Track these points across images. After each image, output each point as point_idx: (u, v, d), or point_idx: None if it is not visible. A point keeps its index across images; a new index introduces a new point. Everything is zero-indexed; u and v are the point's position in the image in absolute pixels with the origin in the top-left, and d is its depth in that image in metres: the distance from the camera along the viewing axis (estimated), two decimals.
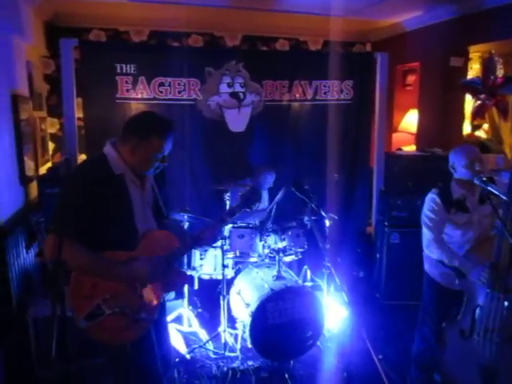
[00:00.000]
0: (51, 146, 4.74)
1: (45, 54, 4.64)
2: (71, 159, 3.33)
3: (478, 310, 2.34)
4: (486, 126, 5.27)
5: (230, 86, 4.01)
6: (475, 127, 5.20)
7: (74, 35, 4.29)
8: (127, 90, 3.76)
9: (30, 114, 3.78)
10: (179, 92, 3.88)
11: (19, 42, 3.63)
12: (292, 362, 3.17)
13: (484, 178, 2.25)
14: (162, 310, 2.17)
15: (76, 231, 1.78)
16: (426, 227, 2.60)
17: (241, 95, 4.04)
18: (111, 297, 1.86)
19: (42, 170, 3.99)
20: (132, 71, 3.74)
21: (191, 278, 3.43)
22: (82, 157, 4.05)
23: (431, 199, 2.61)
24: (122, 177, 1.93)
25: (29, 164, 3.58)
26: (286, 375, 3.03)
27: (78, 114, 3.77)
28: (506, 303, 2.25)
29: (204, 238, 2.14)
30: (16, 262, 3.09)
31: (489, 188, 2.18)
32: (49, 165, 4.31)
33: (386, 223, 4.01)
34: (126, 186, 1.93)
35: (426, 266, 2.75)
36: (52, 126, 4.76)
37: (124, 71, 3.72)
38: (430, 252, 2.56)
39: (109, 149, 1.95)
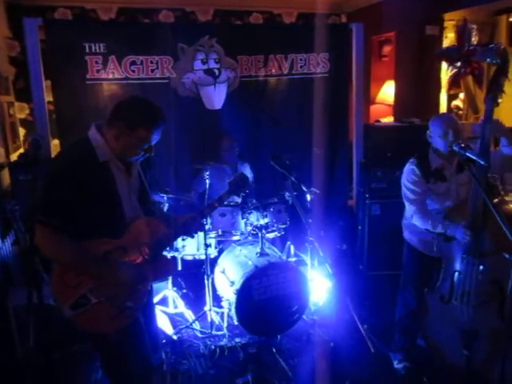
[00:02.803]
0: (22, 131, 4.58)
1: (8, 35, 4.44)
2: (39, 139, 3.20)
3: (456, 275, 2.38)
4: (461, 95, 5.31)
5: (204, 62, 3.91)
6: (451, 96, 5.23)
7: (38, 14, 4.11)
8: (97, 71, 3.62)
9: None
10: (152, 71, 3.77)
11: None
12: (279, 336, 3.20)
13: (462, 145, 2.26)
14: (149, 293, 2.13)
15: (61, 221, 1.72)
16: (409, 200, 2.60)
17: (216, 71, 3.94)
18: (98, 286, 1.82)
19: (14, 157, 3.87)
20: (102, 50, 3.60)
21: (175, 259, 3.40)
22: (55, 142, 3.94)
23: (410, 170, 2.60)
24: (107, 163, 1.85)
25: None
26: (274, 350, 3.06)
27: (48, 97, 3.63)
28: (481, 267, 2.30)
29: (192, 225, 2.10)
30: None
31: (467, 154, 2.19)
32: (21, 151, 4.18)
33: (366, 195, 4.03)
34: (111, 172, 1.86)
35: (406, 234, 2.78)
36: (21, 111, 4.59)
37: (93, 51, 3.58)
38: (415, 222, 2.57)
39: (93, 133, 1.85)
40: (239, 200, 3.37)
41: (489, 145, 2.26)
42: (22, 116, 4.60)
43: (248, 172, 3.87)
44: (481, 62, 4.51)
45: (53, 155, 3.63)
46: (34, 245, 1.59)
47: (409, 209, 2.62)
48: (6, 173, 3.57)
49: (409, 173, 2.61)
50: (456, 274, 2.39)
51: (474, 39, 4.29)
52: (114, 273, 1.84)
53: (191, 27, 4.52)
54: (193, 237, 2.29)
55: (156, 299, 3.48)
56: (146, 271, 1.93)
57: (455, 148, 2.31)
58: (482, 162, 2.12)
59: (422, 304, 2.59)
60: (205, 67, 3.91)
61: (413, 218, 2.58)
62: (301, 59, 4.14)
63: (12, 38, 4.45)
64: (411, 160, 2.64)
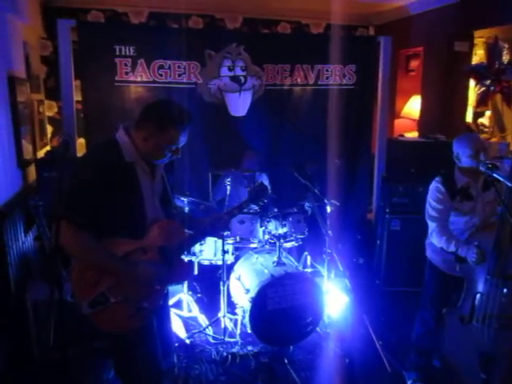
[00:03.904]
0: (49, 129, 4.69)
1: (42, 36, 4.56)
2: (69, 141, 3.28)
3: (478, 297, 2.34)
4: (488, 112, 5.22)
5: (230, 69, 3.94)
6: (477, 114, 5.14)
7: (71, 16, 4.22)
8: (126, 73, 3.69)
9: (28, 97, 3.72)
10: (179, 75, 3.82)
11: (15, 22, 3.56)
12: (292, 347, 3.18)
13: (489, 165, 2.22)
14: (164, 296, 2.15)
15: (85, 219, 1.75)
16: (431, 217, 2.57)
17: (242, 79, 3.97)
18: (116, 285, 1.84)
19: (40, 154, 3.96)
20: (131, 53, 3.67)
21: (192, 264, 3.41)
22: (81, 141, 4.01)
23: (436, 188, 2.58)
24: (133, 165, 1.89)
25: (27, 147, 3.54)
26: (286, 360, 3.03)
27: (77, 96, 3.71)
28: (504, 290, 2.25)
29: (219, 224, 2.12)
30: (14, 246, 3.06)
31: (494, 174, 2.16)
32: (47, 148, 4.26)
33: (386, 210, 3.99)
34: (136, 174, 1.90)
35: (429, 252, 2.74)
36: (50, 109, 4.70)
37: (123, 53, 3.65)
38: (433, 240, 2.56)
39: (121, 134, 1.89)
40: (258, 208, 3.38)
41: None
42: (51, 114, 4.71)
43: (266, 182, 3.88)
44: (510, 81, 4.43)
45: (78, 154, 3.70)
46: (57, 242, 1.61)
47: (430, 226, 2.59)
48: (32, 169, 3.65)
49: (434, 191, 2.58)
50: (478, 295, 2.34)
51: (505, 58, 4.21)
52: (132, 271, 1.86)
53: (219, 34, 4.57)
54: (220, 237, 2.31)
55: (171, 302, 3.48)
56: (163, 272, 1.95)
57: (482, 168, 2.28)
58: (510, 185, 2.08)
59: (440, 324, 2.54)
60: (231, 74, 3.94)
61: (432, 236, 2.55)
62: (327, 70, 4.15)
63: (45, 38, 4.56)
64: (437, 178, 2.61)
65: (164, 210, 2.08)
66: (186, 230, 2.13)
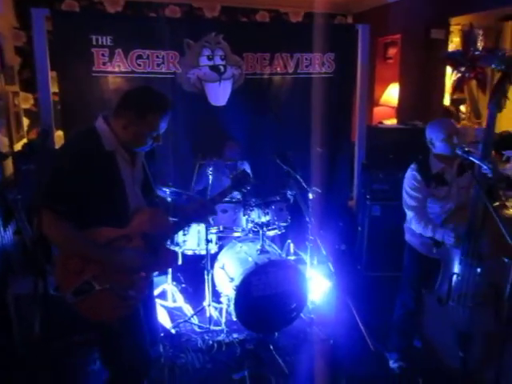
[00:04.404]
0: (26, 121, 4.58)
1: (14, 25, 4.44)
2: (49, 130, 3.22)
3: (454, 278, 2.41)
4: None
5: (209, 58, 3.92)
6: (454, 101, 5.24)
7: (45, 5, 4.10)
8: (104, 63, 3.64)
9: (2, 88, 3.64)
10: (158, 65, 3.78)
11: None
12: (276, 333, 3.22)
13: (466, 149, 2.28)
14: (149, 285, 2.15)
15: (66, 207, 1.74)
16: (408, 206, 2.63)
17: (221, 68, 3.95)
18: (101, 273, 1.83)
19: (17, 147, 3.88)
20: (108, 43, 3.61)
21: (176, 252, 3.41)
22: (59, 133, 3.95)
23: (411, 176, 2.62)
24: (113, 153, 1.88)
25: (3, 140, 3.48)
26: (271, 346, 3.08)
27: (53, 88, 3.64)
28: (478, 269, 2.33)
29: (198, 216, 2.14)
30: None
31: (471, 158, 2.22)
32: (24, 141, 4.18)
33: (367, 196, 4.05)
34: (116, 162, 1.89)
35: (407, 236, 2.80)
36: (26, 101, 4.59)
37: (100, 43, 3.59)
38: (412, 227, 2.62)
39: (100, 123, 1.88)
40: (240, 196, 3.39)
41: (490, 149, 2.27)
42: (27, 106, 4.60)
43: (248, 170, 3.88)
44: (485, 68, 4.52)
45: (56, 146, 3.64)
46: (39, 234, 1.60)
47: (408, 214, 2.65)
48: (9, 162, 3.58)
49: (410, 178, 2.63)
50: (454, 276, 2.41)
51: (480, 44, 4.30)
52: (117, 258, 1.86)
53: (198, 23, 4.53)
54: (207, 223, 2.32)
55: (155, 293, 3.48)
56: (148, 259, 1.95)
57: (458, 152, 2.33)
58: (485, 167, 2.14)
59: (419, 305, 2.61)
60: (210, 63, 3.92)
61: (411, 224, 2.62)
62: (306, 58, 4.16)
63: (18, 27, 4.45)
64: (412, 166, 2.66)
65: (146, 199, 2.07)
66: (170, 218, 2.13)
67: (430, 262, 2.61)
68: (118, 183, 1.89)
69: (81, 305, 1.83)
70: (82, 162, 1.77)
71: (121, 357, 1.97)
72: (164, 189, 3.28)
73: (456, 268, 2.41)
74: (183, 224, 2.24)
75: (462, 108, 5.22)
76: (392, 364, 2.90)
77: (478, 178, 2.21)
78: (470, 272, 2.34)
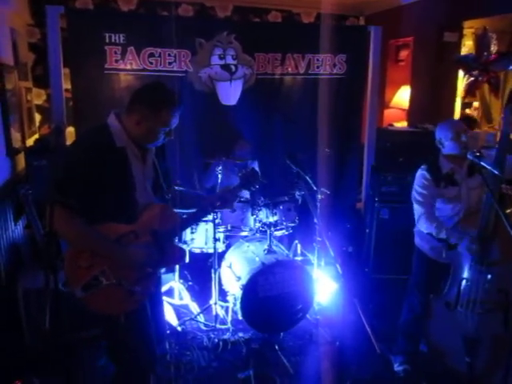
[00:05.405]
0: (38, 117, 4.63)
1: (29, 22, 4.48)
2: (62, 127, 3.24)
3: (463, 283, 2.39)
4: (476, 103, 5.28)
5: (221, 58, 3.93)
6: (465, 105, 5.20)
7: (60, 2, 4.14)
8: (116, 61, 3.65)
9: (16, 84, 3.67)
10: (169, 63, 3.79)
11: (1, 8, 3.50)
12: (282, 334, 3.23)
13: (477, 153, 2.27)
14: (157, 283, 2.17)
15: (78, 202, 1.76)
16: (417, 202, 2.63)
17: (232, 68, 3.96)
18: (109, 268, 1.85)
19: (29, 142, 3.92)
20: (121, 41, 3.62)
21: (183, 251, 3.43)
22: (70, 129, 3.98)
23: (421, 175, 2.64)
24: (124, 150, 1.90)
25: (15, 136, 3.51)
26: (276, 347, 3.08)
27: (65, 84, 3.67)
28: (488, 276, 2.31)
29: (224, 201, 2.19)
30: (4, 235, 3.06)
31: (481, 162, 2.21)
32: (36, 136, 4.23)
33: (376, 198, 4.03)
34: (127, 158, 1.91)
35: (417, 240, 2.79)
36: (38, 97, 4.64)
37: (113, 41, 3.60)
38: (420, 226, 2.61)
39: (112, 119, 1.91)
40: (249, 196, 3.40)
41: (504, 154, 2.26)
42: (39, 102, 4.65)
43: (256, 169, 3.89)
44: (497, 71, 4.47)
45: (67, 143, 3.67)
46: (51, 227, 1.62)
47: (416, 212, 2.64)
48: (21, 157, 3.62)
49: (419, 177, 2.64)
50: (463, 281, 2.39)
51: (493, 48, 4.25)
52: (125, 253, 1.88)
53: (210, 22, 4.54)
54: (231, 207, 2.42)
55: (162, 290, 3.51)
56: (155, 255, 1.96)
57: (469, 157, 2.31)
58: (497, 172, 2.12)
59: (427, 310, 2.60)
60: (222, 62, 3.93)
61: (419, 222, 2.60)
62: (318, 59, 4.14)
63: (33, 24, 4.49)
64: (422, 166, 2.68)
65: (155, 195, 2.09)
66: (191, 209, 2.16)
67: (438, 267, 2.60)
68: (128, 179, 1.91)
69: (89, 299, 1.85)
70: (94, 157, 1.80)
71: (126, 352, 1.99)
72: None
73: (465, 273, 2.40)
74: (192, 220, 2.26)
75: (468, 111, 5.18)
76: (397, 367, 2.89)
77: (489, 183, 2.20)
78: (480, 278, 2.33)
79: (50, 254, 1.49)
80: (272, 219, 3.32)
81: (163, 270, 3.65)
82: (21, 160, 3.62)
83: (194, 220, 2.28)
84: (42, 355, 2.80)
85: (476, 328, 2.36)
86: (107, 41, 3.59)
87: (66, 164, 1.83)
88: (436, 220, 2.53)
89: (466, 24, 4.55)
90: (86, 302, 1.85)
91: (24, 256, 3.40)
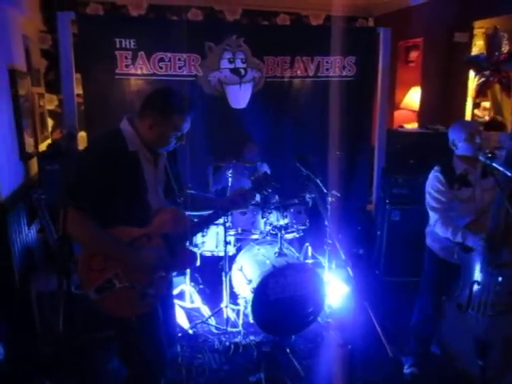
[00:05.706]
0: (50, 122, 4.69)
1: (41, 29, 4.55)
2: (74, 131, 3.29)
3: (475, 286, 2.37)
4: (487, 104, 5.22)
5: (231, 61, 3.95)
6: (476, 105, 5.15)
7: (71, 9, 4.19)
8: (126, 66, 3.70)
9: (29, 90, 3.73)
10: (179, 68, 3.82)
11: (15, 15, 3.56)
12: (293, 337, 3.22)
13: (489, 155, 2.24)
14: (168, 286, 2.19)
15: (91, 206, 1.78)
16: (432, 208, 2.59)
17: (242, 71, 3.98)
18: (122, 271, 1.88)
19: (42, 147, 3.97)
20: (132, 46, 3.67)
21: (194, 254, 3.44)
22: (82, 134, 4.03)
23: (435, 178, 2.60)
24: (136, 154, 1.92)
25: (28, 140, 3.56)
26: (288, 350, 3.08)
27: (77, 90, 3.72)
28: (499, 278, 2.29)
29: (239, 202, 2.20)
30: (18, 239, 3.10)
31: (494, 164, 2.18)
32: (48, 141, 4.28)
33: (386, 200, 4.02)
34: (139, 162, 1.93)
35: (428, 241, 2.77)
36: (50, 103, 4.70)
37: (123, 46, 3.65)
38: (437, 231, 2.57)
39: (125, 124, 1.94)
40: (259, 199, 3.40)
41: None
42: (51, 107, 4.71)
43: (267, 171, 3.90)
44: (509, 71, 4.43)
45: (80, 147, 3.72)
46: (65, 230, 1.64)
47: (432, 217, 2.62)
48: (34, 162, 3.67)
49: (433, 180, 2.60)
50: (475, 284, 2.37)
51: (504, 48, 4.21)
52: (138, 257, 1.90)
53: (219, 26, 4.56)
54: (246, 207, 2.47)
55: (173, 293, 3.52)
56: (167, 258, 1.97)
57: (481, 158, 2.29)
58: (509, 174, 2.10)
59: (439, 311, 2.58)
60: (231, 66, 3.94)
61: (435, 227, 2.57)
62: (327, 62, 4.15)
63: (45, 31, 4.56)
64: (435, 168, 2.64)
65: (167, 199, 2.11)
66: (206, 211, 2.18)
67: (450, 268, 2.57)
68: (140, 183, 1.94)
69: (102, 302, 1.87)
70: (106, 163, 1.82)
71: (136, 354, 2.00)
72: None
73: (476, 275, 2.38)
74: (204, 224, 2.26)
75: (477, 112, 5.13)
76: (406, 369, 2.88)
77: (501, 184, 2.18)
78: (491, 281, 2.31)
79: (63, 257, 1.51)
80: (283, 222, 3.32)
81: (174, 273, 3.68)
82: (34, 165, 3.67)
83: (205, 223, 2.28)
84: (55, 357, 2.83)
85: (487, 330, 2.34)
86: (118, 46, 3.63)
87: (79, 170, 1.85)
88: (451, 223, 2.50)
89: (477, 24, 4.52)
90: (100, 304, 1.87)
91: (37, 259, 3.44)
